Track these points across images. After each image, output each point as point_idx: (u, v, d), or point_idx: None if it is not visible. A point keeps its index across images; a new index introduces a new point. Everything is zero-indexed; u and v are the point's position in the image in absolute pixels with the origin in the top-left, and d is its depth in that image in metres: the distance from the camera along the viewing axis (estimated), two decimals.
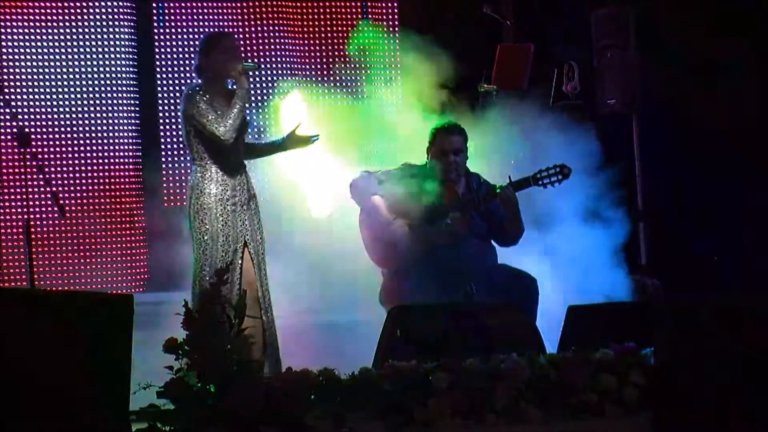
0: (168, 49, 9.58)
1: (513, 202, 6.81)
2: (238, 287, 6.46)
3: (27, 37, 9.08)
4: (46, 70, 9.12)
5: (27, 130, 8.40)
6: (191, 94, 6.47)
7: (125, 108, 9.34)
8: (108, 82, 9.26)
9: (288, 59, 9.73)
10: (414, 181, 6.98)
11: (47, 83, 9.12)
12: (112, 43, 9.26)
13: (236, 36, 9.49)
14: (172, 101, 9.55)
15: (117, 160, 9.28)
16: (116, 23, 9.29)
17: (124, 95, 9.34)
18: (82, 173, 9.19)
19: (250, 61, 6.65)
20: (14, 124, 8.00)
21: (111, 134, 9.26)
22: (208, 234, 6.44)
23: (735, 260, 8.59)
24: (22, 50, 9.07)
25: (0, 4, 9.00)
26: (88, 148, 9.21)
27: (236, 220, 6.49)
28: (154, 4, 9.59)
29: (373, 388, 4.88)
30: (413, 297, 6.64)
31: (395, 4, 9.99)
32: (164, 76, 9.57)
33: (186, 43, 9.57)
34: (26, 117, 9.00)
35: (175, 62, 9.56)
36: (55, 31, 9.15)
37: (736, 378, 4.96)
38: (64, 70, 9.17)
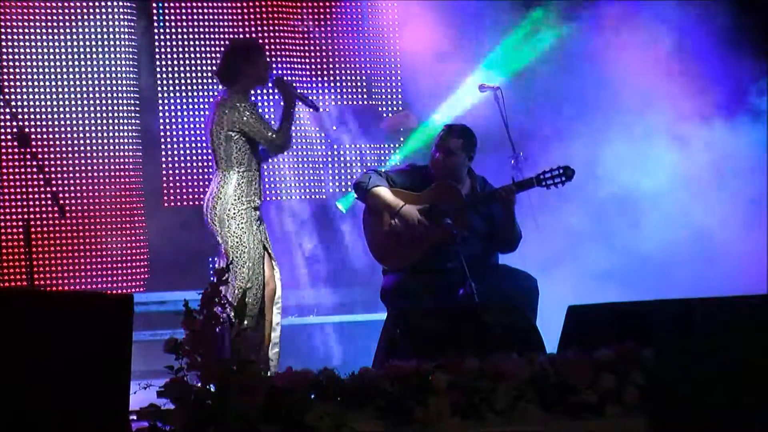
0: (168, 49, 9.58)
1: (510, 202, 6.81)
2: (263, 291, 6.55)
3: (27, 37, 9.07)
4: (47, 70, 9.12)
5: (27, 130, 8.40)
6: (242, 101, 6.54)
7: (125, 108, 9.34)
8: (108, 82, 9.26)
9: (288, 59, 9.73)
10: (416, 179, 7.01)
11: (47, 83, 9.12)
12: (112, 43, 9.26)
13: (236, 36, 9.54)
14: (172, 101, 9.55)
15: (117, 160, 9.28)
16: (116, 23, 9.28)
17: (124, 95, 9.34)
18: (82, 173, 9.18)
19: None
20: (14, 124, 7.98)
21: (111, 134, 9.26)
22: (243, 240, 6.50)
23: None
24: (22, 50, 9.07)
25: (0, 4, 8.99)
26: (88, 148, 9.21)
27: (253, 225, 6.57)
28: (154, 4, 9.60)
29: (373, 388, 4.87)
30: (413, 296, 6.65)
31: (395, 5, 9.99)
32: (164, 76, 9.58)
33: (186, 43, 9.57)
34: (26, 117, 9.00)
35: (176, 62, 9.57)
36: (55, 31, 9.14)
37: (735, 379, 4.96)
38: (65, 70, 9.17)
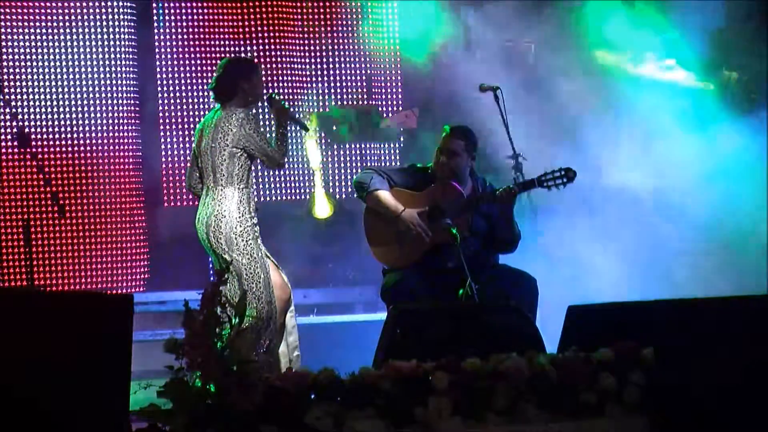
0: (168, 49, 9.58)
1: (508, 203, 6.82)
2: (273, 299, 6.54)
3: (27, 37, 9.08)
4: (47, 70, 9.13)
5: (27, 130, 8.41)
6: (248, 118, 6.50)
7: (125, 108, 9.35)
8: (108, 82, 9.27)
9: (288, 59, 9.74)
10: (417, 180, 7.02)
11: (47, 83, 9.13)
12: (112, 43, 9.27)
13: (236, 36, 9.55)
14: (172, 101, 9.56)
15: (117, 160, 9.28)
16: (116, 23, 9.29)
17: (124, 95, 9.35)
18: (82, 173, 9.19)
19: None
20: (14, 124, 7.99)
21: (111, 134, 9.27)
22: (250, 257, 6.48)
23: None
24: (22, 50, 9.07)
25: (0, 4, 9.00)
26: (88, 148, 9.21)
27: (258, 240, 6.56)
28: (154, 4, 9.60)
29: (373, 388, 4.87)
30: (413, 295, 6.64)
31: (395, 5, 10.00)
32: (164, 76, 9.58)
33: (186, 43, 9.58)
34: (26, 117, 9.01)
35: (176, 62, 9.57)
36: (56, 31, 9.15)
37: (735, 379, 4.96)
38: (65, 70, 9.17)
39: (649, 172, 8.85)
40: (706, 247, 8.73)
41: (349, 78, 9.96)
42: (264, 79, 7.16)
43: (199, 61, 9.57)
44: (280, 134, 6.58)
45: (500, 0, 9.20)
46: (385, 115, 9.99)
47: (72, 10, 9.21)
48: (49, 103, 9.13)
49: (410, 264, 6.88)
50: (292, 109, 6.94)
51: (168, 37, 9.59)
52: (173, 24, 9.60)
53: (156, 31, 9.60)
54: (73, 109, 9.19)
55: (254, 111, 6.69)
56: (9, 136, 8.83)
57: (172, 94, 9.57)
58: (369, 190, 6.93)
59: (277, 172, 9.66)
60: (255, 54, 9.59)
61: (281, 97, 6.77)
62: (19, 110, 8.94)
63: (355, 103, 9.96)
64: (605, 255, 8.65)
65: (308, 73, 9.82)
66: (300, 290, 9.05)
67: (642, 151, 8.88)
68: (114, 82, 9.29)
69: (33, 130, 8.96)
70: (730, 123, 8.93)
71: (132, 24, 9.40)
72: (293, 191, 9.81)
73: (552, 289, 7.21)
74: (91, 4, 9.24)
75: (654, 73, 9.28)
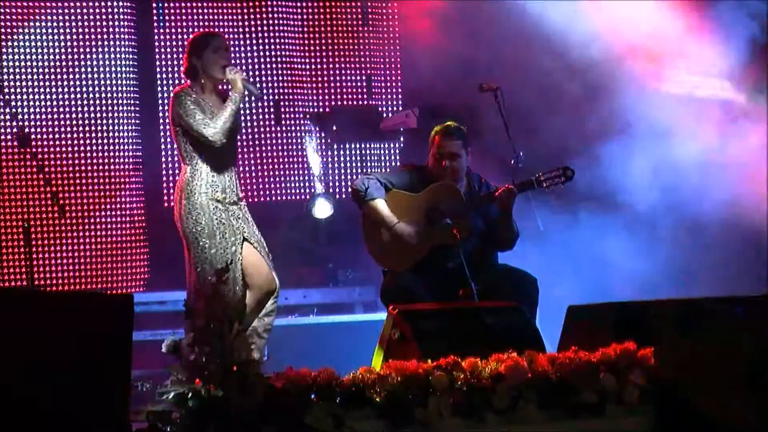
0: (168, 49, 9.58)
1: (508, 203, 6.80)
2: (241, 283, 6.45)
3: (27, 37, 9.08)
4: (46, 70, 9.12)
5: (27, 130, 8.40)
6: (179, 95, 6.47)
7: (125, 108, 9.35)
8: (108, 82, 9.26)
9: (288, 59, 9.74)
10: (414, 180, 7.00)
11: (47, 83, 9.12)
12: (112, 43, 9.27)
13: (236, 36, 9.53)
14: None
15: (117, 160, 9.28)
16: (116, 23, 9.29)
17: (124, 95, 9.34)
18: (82, 173, 9.19)
19: (254, 86, 6.59)
20: (14, 124, 7.99)
21: (111, 134, 9.27)
22: (204, 233, 6.44)
23: None
24: (22, 50, 9.07)
25: (0, 4, 9.00)
26: (88, 148, 9.21)
27: (230, 217, 6.49)
28: (154, 4, 9.60)
29: (373, 388, 4.88)
30: (414, 297, 6.64)
31: (395, 5, 10.00)
32: (164, 76, 9.58)
33: (186, 43, 9.56)
34: (26, 117, 9.01)
35: (175, 62, 9.56)
36: (56, 31, 9.15)
37: (735, 379, 4.97)
38: (65, 70, 9.17)
39: (653, 171, 8.85)
40: (708, 247, 8.73)
41: (349, 78, 9.95)
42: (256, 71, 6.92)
43: None
44: (229, 110, 6.43)
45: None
46: (385, 115, 9.99)
47: (72, 10, 9.20)
48: (49, 103, 9.12)
49: (410, 266, 6.87)
50: (245, 77, 6.64)
51: (168, 36, 9.59)
52: (173, 23, 9.59)
53: (156, 30, 9.59)
54: (73, 109, 9.18)
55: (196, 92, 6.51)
56: (9, 136, 8.82)
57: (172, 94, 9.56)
58: (366, 200, 6.92)
59: (277, 172, 9.65)
60: (255, 54, 9.59)
61: (237, 69, 6.56)
62: (19, 110, 8.93)
63: (354, 103, 9.96)
64: (606, 254, 8.65)
65: (308, 73, 9.81)
66: (300, 290, 9.05)
67: (647, 150, 8.86)
68: (114, 82, 9.28)
69: (33, 130, 8.95)
70: (748, 125, 8.94)
71: (132, 24, 9.39)
72: (293, 191, 9.80)
73: (552, 289, 7.22)
74: (91, 4, 9.23)
75: (683, 80, 9.25)
